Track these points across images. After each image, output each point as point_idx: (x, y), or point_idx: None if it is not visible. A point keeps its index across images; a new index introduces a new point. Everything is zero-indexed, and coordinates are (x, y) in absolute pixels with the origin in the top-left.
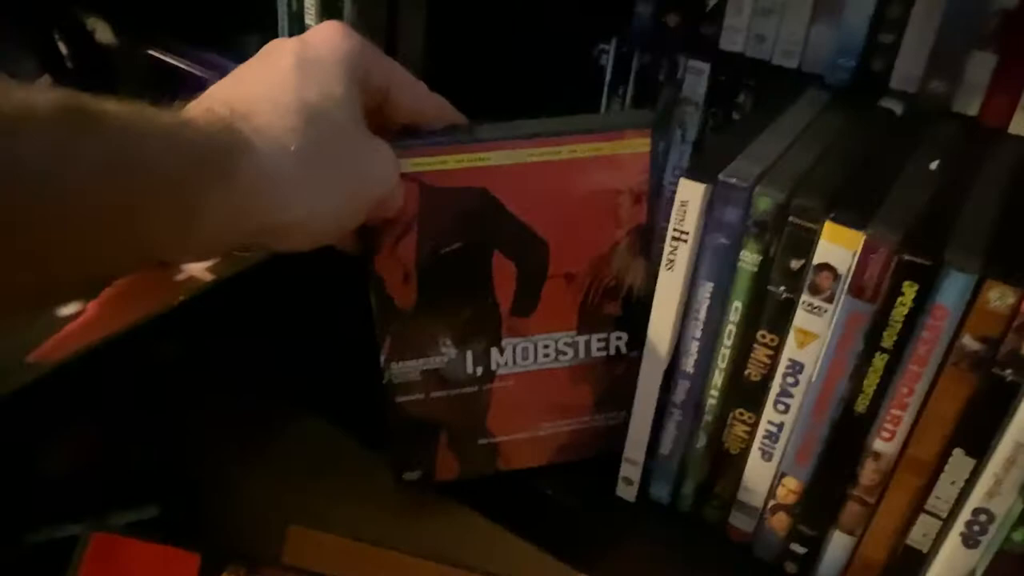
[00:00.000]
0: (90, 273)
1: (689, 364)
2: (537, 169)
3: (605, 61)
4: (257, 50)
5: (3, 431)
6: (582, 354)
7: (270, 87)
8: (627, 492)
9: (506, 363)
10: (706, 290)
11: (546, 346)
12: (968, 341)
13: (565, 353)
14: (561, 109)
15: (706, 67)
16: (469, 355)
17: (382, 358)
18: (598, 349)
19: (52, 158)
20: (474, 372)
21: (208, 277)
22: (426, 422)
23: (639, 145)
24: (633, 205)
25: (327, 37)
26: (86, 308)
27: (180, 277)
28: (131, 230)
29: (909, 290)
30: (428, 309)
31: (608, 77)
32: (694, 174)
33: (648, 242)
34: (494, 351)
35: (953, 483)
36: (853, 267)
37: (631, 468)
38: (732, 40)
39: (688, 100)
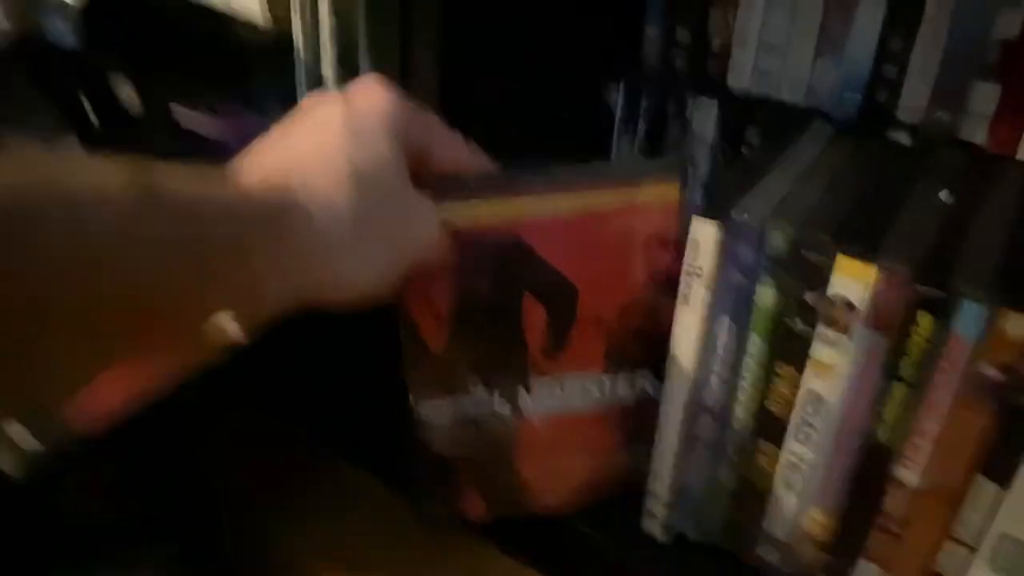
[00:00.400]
0: (148, 341)
1: (710, 399)
2: (568, 216)
3: (615, 100)
4: (276, 101)
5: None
6: (609, 394)
7: (321, 152)
8: (653, 526)
9: (534, 403)
10: (724, 325)
11: (574, 386)
12: (986, 369)
13: (592, 393)
14: (573, 147)
15: (714, 104)
16: (497, 395)
17: (411, 397)
18: (625, 389)
19: (122, 238)
20: (502, 411)
21: (237, 330)
22: (453, 461)
23: (668, 192)
24: (662, 251)
25: (370, 96)
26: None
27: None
28: (190, 300)
29: (924, 321)
30: (459, 350)
31: (618, 115)
32: (706, 212)
33: (675, 286)
34: (522, 391)
35: (978, 511)
36: (868, 299)
37: (656, 503)
38: (738, 77)
39: (697, 137)
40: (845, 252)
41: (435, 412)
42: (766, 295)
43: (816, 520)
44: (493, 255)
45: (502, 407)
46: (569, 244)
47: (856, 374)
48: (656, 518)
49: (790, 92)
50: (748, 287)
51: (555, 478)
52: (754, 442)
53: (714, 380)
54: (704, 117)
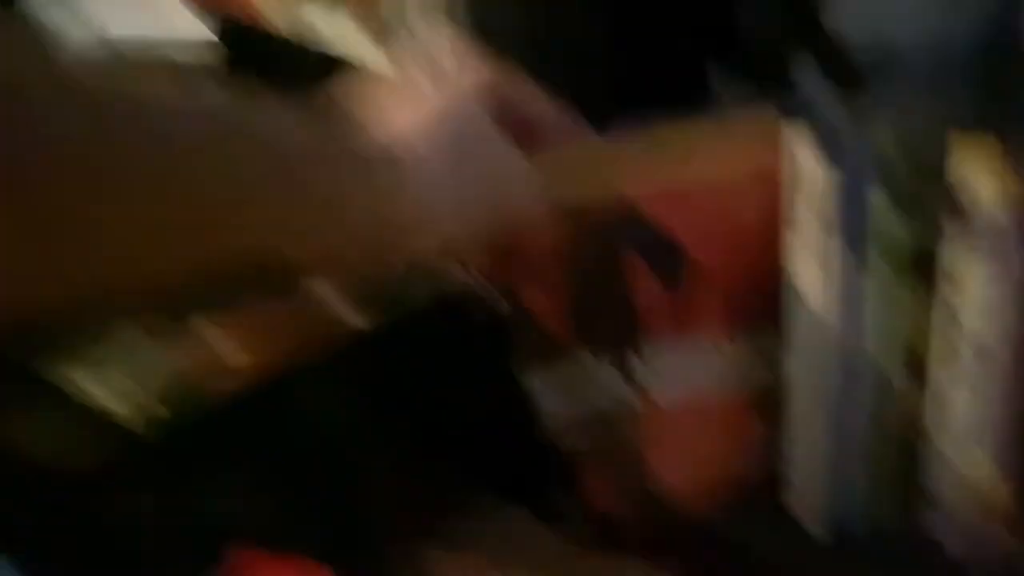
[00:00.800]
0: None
1: (839, 342)
2: (668, 169)
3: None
4: None
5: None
6: (736, 366)
7: (419, 114)
8: (803, 518)
9: (655, 376)
10: (841, 253)
11: (695, 357)
12: None
13: (717, 365)
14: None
15: (816, 57)
16: (617, 370)
17: (531, 384)
18: (754, 361)
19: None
20: (624, 390)
21: (356, 319)
22: (581, 454)
23: (768, 129)
24: (768, 191)
25: (468, 67)
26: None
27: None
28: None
29: None
30: (573, 325)
31: (719, 89)
32: (808, 132)
33: (787, 228)
34: (640, 362)
35: None
36: (996, 189)
37: (802, 487)
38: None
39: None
40: (964, 133)
41: (556, 398)
42: (880, 206)
43: (983, 475)
44: (595, 218)
45: (623, 384)
46: (671, 198)
47: (997, 283)
48: (804, 506)
49: (894, 33)
50: (861, 195)
51: (688, 467)
52: (902, 390)
53: (841, 320)
54: (808, 72)
